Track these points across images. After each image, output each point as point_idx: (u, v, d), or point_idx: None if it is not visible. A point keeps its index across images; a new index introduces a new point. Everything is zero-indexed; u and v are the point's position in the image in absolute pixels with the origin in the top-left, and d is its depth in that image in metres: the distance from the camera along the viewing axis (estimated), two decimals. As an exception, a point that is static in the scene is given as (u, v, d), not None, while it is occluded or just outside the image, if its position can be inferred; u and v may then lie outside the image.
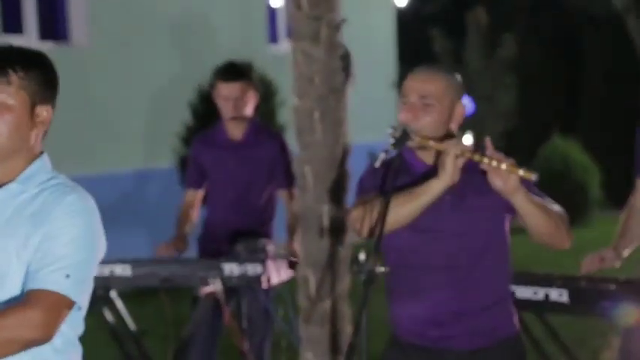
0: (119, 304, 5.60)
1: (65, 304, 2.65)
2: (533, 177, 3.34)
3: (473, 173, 3.44)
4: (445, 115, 3.53)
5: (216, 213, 5.89)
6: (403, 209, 3.42)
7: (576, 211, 13.29)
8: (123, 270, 5.41)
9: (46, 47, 10.01)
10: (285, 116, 9.84)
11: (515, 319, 3.69)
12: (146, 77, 10.85)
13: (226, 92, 5.69)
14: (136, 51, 10.76)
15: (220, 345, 5.85)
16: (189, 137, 9.50)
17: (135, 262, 5.43)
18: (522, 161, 3.50)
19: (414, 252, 3.56)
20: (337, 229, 5.35)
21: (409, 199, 3.43)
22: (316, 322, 5.38)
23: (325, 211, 5.33)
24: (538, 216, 3.45)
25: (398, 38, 15.13)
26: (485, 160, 3.38)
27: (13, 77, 2.71)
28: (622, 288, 4.14)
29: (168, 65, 11.05)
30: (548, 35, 16.65)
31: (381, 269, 3.19)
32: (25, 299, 2.63)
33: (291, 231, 5.72)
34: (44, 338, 2.63)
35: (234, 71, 5.74)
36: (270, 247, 5.51)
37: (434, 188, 3.41)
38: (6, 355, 2.62)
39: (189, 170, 5.99)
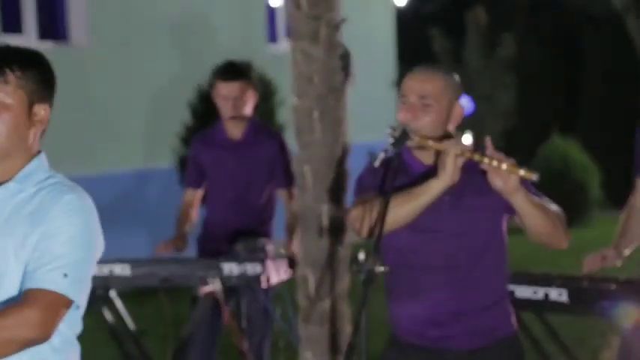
0: (118, 304, 5.59)
1: (63, 303, 2.65)
2: (534, 177, 3.34)
3: (472, 173, 3.44)
4: (443, 115, 3.53)
5: (215, 212, 5.88)
6: (402, 209, 3.42)
7: (576, 210, 13.29)
8: (122, 270, 5.40)
9: (46, 47, 10.00)
10: (285, 116, 9.84)
11: (513, 319, 3.69)
12: (146, 77, 10.85)
13: (225, 92, 5.69)
14: (135, 51, 10.75)
15: (220, 345, 5.85)
16: (189, 137, 9.50)
17: (134, 262, 5.42)
18: (522, 161, 3.50)
19: (413, 252, 3.55)
20: (337, 229, 5.35)
21: (409, 199, 3.42)
22: (316, 322, 5.38)
23: (325, 210, 5.33)
24: (537, 216, 3.45)
25: (397, 38, 15.13)
26: (486, 160, 3.37)
27: (11, 76, 2.71)
28: (622, 288, 4.14)
29: (168, 65, 11.04)
30: (547, 35, 16.65)
31: (381, 269, 3.19)
32: (23, 299, 2.63)
33: (291, 230, 5.72)
34: (42, 337, 2.63)
35: (234, 71, 5.74)
36: (270, 247, 5.50)
37: (434, 188, 3.41)
38: (5, 355, 2.62)
39: (189, 170, 5.99)
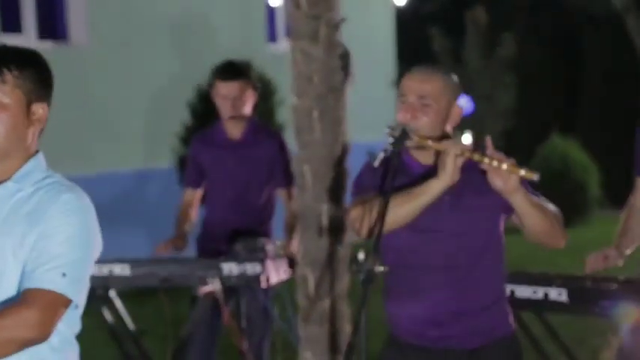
0: (118, 304, 5.59)
1: (62, 302, 2.65)
2: (535, 177, 3.34)
3: (470, 173, 3.44)
4: (442, 116, 3.54)
5: (215, 212, 5.88)
6: (402, 209, 3.41)
7: (575, 210, 13.30)
8: (122, 270, 5.40)
9: (45, 47, 10.00)
10: (284, 115, 9.83)
11: (511, 318, 3.69)
12: (145, 77, 10.85)
13: (225, 91, 5.69)
14: (135, 51, 10.75)
15: (219, 344, 5.85)
16: (189, 137, 9.49)
17: (134, 262, 5.42)
18: (521, 161, 3.50)
19: (412, 252, 3.55)
20: (336, 229, 5.35)
21: (409, 199, 3.42)
22: (315, 322, 5.37)
23: (324, 210, 5.33)
24: (536, 216, 3.46)
25: (397, 37, 15.13)
26: (486, 159, 3.37)
27: (8, 76, 2.71)
28: (621, 287, 4.14)
29: (168, 65, 11.04)
30: (547, 35, 16.65)
31: (380, 269, 3.18)
32: (22, 299, 2.63)
33: (290, 230, 5.72)
34: (41, 337, 2.63)
35: (233, 70, 5.73)
36: (269, 247, 5.50)
37: (434, 188, 3.41)
38: (4, 355, 2.61)
39: (188, 170, 5.98)
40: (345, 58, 5.39)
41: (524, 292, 4.36)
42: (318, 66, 5.31)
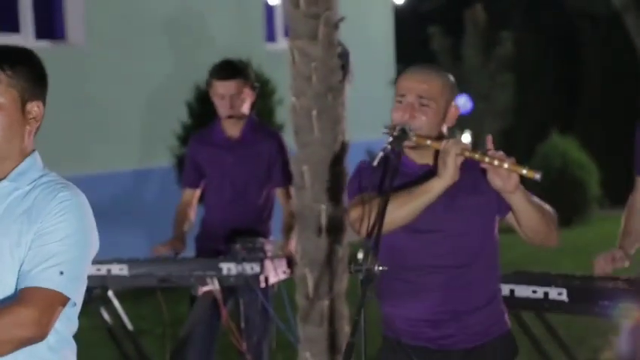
0: (116, 304, 5.58)
1: (59, 300, 2.64)
2: (537, 176, 3.33)
3: (464, 173, 3.43)
4: (440, 116, 3.53)
5: (213, 212, 5.86)
6: (402, 210, 3.40)
7: (575, 209, 13.31)
8: (120, 270, 5.39)
9: (43, 46, 9.99)
10: (283, 115, 9.82)
11: (507, 317, 3.70)
12: (143, 76, 10.83)
13: (222, 90, 5.67)
14: (132, 50, 10.74)
15: (218, 344, 5.84)
16: (187, 136, 9.48)
17: (132, 262, 5.41)
18: (521, 160, 3.49)
19: (407, 252, 3.55)
20: (335, 228, 5.34)
21: (409, 199, 3.41)
22: (314, 322, 5.36)
23: (323, 209, 5.32)
24: (534, 216, 3.46)
25: (396, 36, 15.13)
26: (487, 159, 3.36)
27: (1, 76, 2.71)
28: (622, 287, 4.13)
29: (166, 64, 11.03)
30: (546, 33, 16.65)
31: (380, 268, 3.17)
32: (19, 297, 2.63)
33: (288, 230, 5.70)
34: (39, 336, 2.63)
35: (230, 69, 5.72)
36: (268, 247, 5.48)
37: (435, 188, 3.39)
38: (1, 354, 2.61)
39: (187, 169, 5.97)
40: (344, 57, 5.38)
41: (524, 291, 4.35)
42: (317, 65, 5.30)
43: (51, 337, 2.68)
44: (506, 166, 3.34)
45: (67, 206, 2.68)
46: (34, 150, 2.80)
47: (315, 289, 5.33)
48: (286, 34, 5.70)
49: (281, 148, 5.80)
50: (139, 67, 10.78)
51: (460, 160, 3.38)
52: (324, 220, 5.32)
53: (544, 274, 4.50)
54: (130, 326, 5.68)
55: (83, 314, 2.82)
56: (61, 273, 2.63)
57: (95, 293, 5.42)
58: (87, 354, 3.33)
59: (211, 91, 5.75)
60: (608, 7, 14.94)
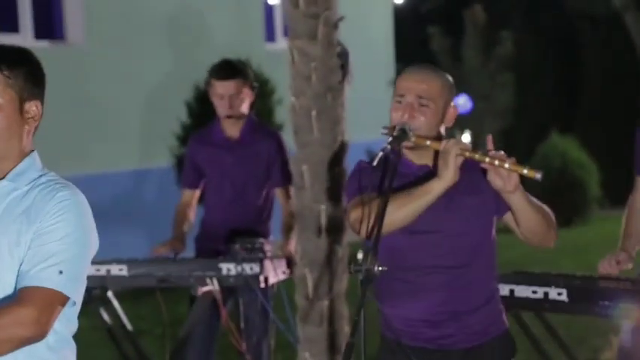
0: (116, 304, 5.57)
1: (59, 300, 2.64)
2: (537, 175, 3.32)
3: (463, 173, 3.42)
4: (439, 116, 3.53)
5: (213, 212, 5.86)
6: (403, 211, 3.39)
7: (575, 209, 13.30)
8: (119, 270, 5.38)
9: (42, 46, 9.99)
10: (283, 115, 9.82)
11: (504, 316, 3.70)
12: (142, 76, 10.83)
13: (221, 90, 5.66)
14: (132, 50, 10.73)
15: (218, 345, 5.83)
16: (186, 136, 9.47)
17: (131, 262, 5.40)
18: (520, 160, 3.48)
19: (406, 253, 3.55)
20: (335, 228, 5.33)
21: (410, 199, 3.40)
22: (314, 322, 5.36)
23: (323, 210, 5.32)
24: (534, 216, 3.47)
25: (396, 36, 15.12)
26: (487, 159, 3.35)
27: None
28: (621, 287, 4.12)
29: (165, 64, 11.03)
30: (546, 33, 16.64)
31: (379, 269, 3.17)
32: (19, 297, 2.63)
33: (287, 230, 5.70)
34: (39, 336, 2.63)
35: (229, 69, 5.71)
36: (268, 247, 5.48)
37: (435, 189, 3.39)
38: (1, 353, 2.61)
39: (186, 169, 5.96)
40: (343, 57, 5.38)
41: (524, 291, 4.34)
42: (317, 65, 5.30)
43: (50, 337, 2.68)
44: (507, 166, 3.34)
45: (66, 206, 2.68)
46: (32, 150, 2.80)
47: (315, 289, 5.32)
48: (286, 33, 5.69)
49: (280, 147, 5.79)
50: (138, 66, 10.78)
51: (460, 160, 3.38)
52: (323, 221, 5.32)
53: (544, 274, 4.50)
54: (129, 326, 5.67)
55: (82, 314, 2.82)
56: (61, 272, 2.63)
57: (94, 293, 5.41)
58: (86, 354, 3.33)
59: (210, 91, 5.74)
60: (608, 8, 14.95)
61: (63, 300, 2.65)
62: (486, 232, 3.58)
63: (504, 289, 4.29)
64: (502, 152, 3.39)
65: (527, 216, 3.46)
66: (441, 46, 15.21)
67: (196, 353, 5.65)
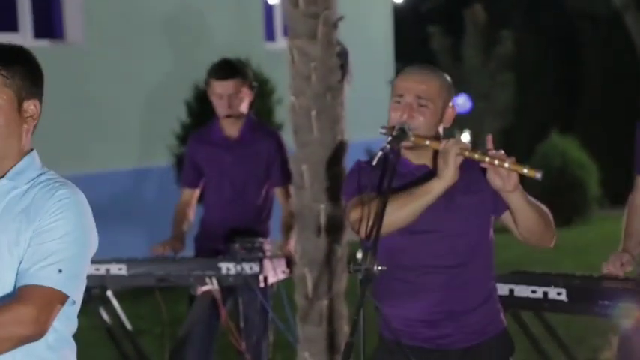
0: (115, 304, 5.57)
1: (58, 298, 2.64)
2: (537, 175, 3.32)
3: (462, 172, 3.42)
4: (438, 116, 3.53)
5: (212, 212, 5.86)
6: (402, 211, 3.39)
7: (575, 209, 13.30)
8: (119, 269, 5.38)
9: (41, 46, 9.99)
10: (282, 114, 9.82)
11: (502, 315, 3.70)
12: (142, 75, 10.83)
13: (220, 90, 5.66)
14: (131, 49, 10.73)
15: (218, 344, 5.83)
16: (186, 135, 9.48)
17: (131, 262, 5.40)
18: (520, 159, 3.48)
19: (407, 253, 3.55)
20: (334, 228, 5.33)
21: (410, 200, 3.40)
22: (313, 321, 5.36)
23: (322, 209, 5.32)
24: (532, 216, 3.47)
25: (395, 36, 15.12)
26: (487, 158, 3.35)
27: None
28: (621, 287, 4.12)
29: (165, 63, 11.03)
30: (546, 33, 16.65)
31: (379, 268, 3.17)
32: (18, 295, 2.63)
33: (287, 230, 5.70)
34: (38, 334, 2.63)
35: (228, 69, 5.71)
36: (267, 246, 5.48)
37: (436, 189, 3.39)
38: (0, 352, 2.61)
39: (185, 169, 5.96)
40: (343, 56, 5.38)
41: (523, 291, 4.34)
42: (316, 65, 5.30)
43: (50, 336, 2.68)
44: (506, 165, 3.34)
45: (66, 204, 2.68)
46: (32, 149, 2.80)
47: (314, 288, 5.32)
48: (285, 33, 5.67)
49: (280, 147, 5.79)
50: (138, 66, 10.78)
51: (460, 160, 3.38)
52: (323, 220, 5.32)
53: (543, 274, 4.49)
54: (128, 326, 5.67)
55: (82, 314, 2.81)
56: (60, 271, 2.63)
57: (94, 293, 5.41)
58: (86, 353, 3.32)
59: (209, 91, 5.74)
60: (608, 8, 14.95)
61: (62, 298, 2.65)
62: (484, 232, 3.59)
63: (504, 289, 4.29)
64: (502, 152, 3.39)
65: (525, 216, 3.46)
66: (441, 46, 15.21)
67: (196, 352, 5.65)
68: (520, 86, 15.53)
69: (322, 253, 5.33)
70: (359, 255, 3.20)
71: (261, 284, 5.27)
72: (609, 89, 16.01)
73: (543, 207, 3.55)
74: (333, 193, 5.30)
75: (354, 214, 3.45)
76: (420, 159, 3.55)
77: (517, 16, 16.70)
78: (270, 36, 12.89)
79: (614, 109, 15.64)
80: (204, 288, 5.28)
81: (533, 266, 5.47)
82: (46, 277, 2.62)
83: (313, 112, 5.31)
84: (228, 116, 5.69)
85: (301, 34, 5.31)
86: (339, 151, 5.37)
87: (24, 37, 9.97)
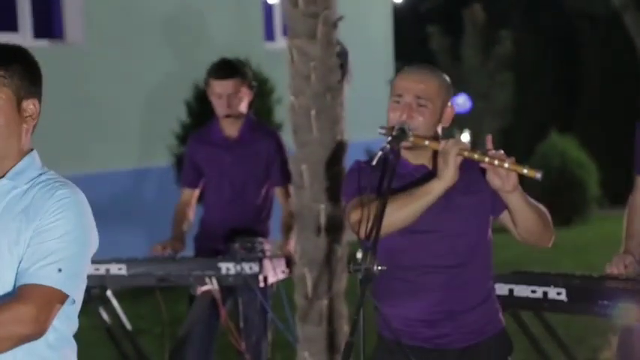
0: (115, 304, 5.57)
1: (57, 298, 2.64)
2: (537, 175, 3.32)
3: (461, 172, 3.42)
4: (436, 116, 3.53)
5: (212, 212, 5.86)
6: (402, 212, 3.39)
7: (574, 209, 13.31)
8: (119, 269, 5.38)
9: (41, 45, 9.99)
10: (282, 114, 9.82)
11: (501, 315, 3.70)
12: (141, 75, 10.83)
13: (219, 90, 5.66)
14: (131, 49, 10.73)
15: (217, 344, 5.83)
16: (186, 135, 9.48)
17: (131, 262, 5.40)
18: (520, 159, 3.49)
19: (407, 253, 3.55)
20: (334, 228, 5.33)
21: (410, 200, 3.40)
22: (313, 321, 5.36)
23: (322, 209, 5.32)
24: (531, 216, 3.47)
25: (395, 36, 15.13)
26: (487, 158, 3.35)
27: None
28: (621, 286, 4.12)
29: (165, 63, 11.03)
30: (545, 33, 16.65)
31: (379, 268, 3.17)
32: (18, 295, 2.63)
33: (287, 229, 5.70)
34: (37, 333, 2.63)
35: (227, 68, 5.71)
36: (267, 246, 5.48)
37: (436, 189, 3.39)
38: (0, 351, 2.61)
39: (185, 169, 5.96)
40: (342, 56, 5.38)
41: (523, 291, 4.34)
42: (316, 64, 5.30)
43: (50, 335, 2.68)
44: (506, 165, 3.34)
45: (66, 204, 2.68)
46: (32, 149, 2.80)
47: (314, 288, 5.32)
48: (285, 33, 5.67)
49: (279, 146, 5.79)
50: (137, 66, 10.78)
51: (459, 160, 3.38)
52: (323, 220, 5.32)
53: (543, 274, 4.49)
54: (128, 326, 5.67)
55: (82, 314, 2.81)
56: (60, 270, 2.63)
57: (94, 293, 5.41)
58: (86, 353, 3.32)
59: (209, 91, 5.74)
60: (607, 7, 14.95)
61: (62, 298, 2.65)
62: (483, 232, 3.59)
63: (503, 289, 4.29)
64: (501, 152, 3.39)
65: (524, 216, 3.46)
66: (440, 46, 15.22)
67: (195, 352, 5.65)
68: (519, 86, 15.53)
69: (322, 253, 5.33)
70: (359, 255, 3.20)
71: (261, 284, 5.27)
72: (608, 89, 16.01)
73: (542, 207, 3.55)
74: (333, 193, 5.30)
75: (354, 215, 3.45)
76: (418, 159, 3.55)
77: (516, 16, 16.70)
78: (269, 36, 12.89)
79: (614, 108, 15.65)
80: (204, 288, 5.28)
81: (532, 266, 5.48)
82: (46, 277, 2.62)
83: (313, 112, 5.31)
84: (228, 116, 5.69)
85: (301, 34, 5.31)
86: (338, 150, 5.37)
87: (23, 36, 9.97)
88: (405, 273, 3.55)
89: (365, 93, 10.95)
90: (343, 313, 5.43)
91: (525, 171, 3.33)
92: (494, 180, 3.38)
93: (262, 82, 10.16)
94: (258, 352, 5.61)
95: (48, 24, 10.47)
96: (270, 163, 5.76)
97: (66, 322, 2.74)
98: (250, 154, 5.75)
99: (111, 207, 9.70)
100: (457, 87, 13.99)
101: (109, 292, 5.53)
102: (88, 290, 2.77)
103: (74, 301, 2.72)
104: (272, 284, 5.47)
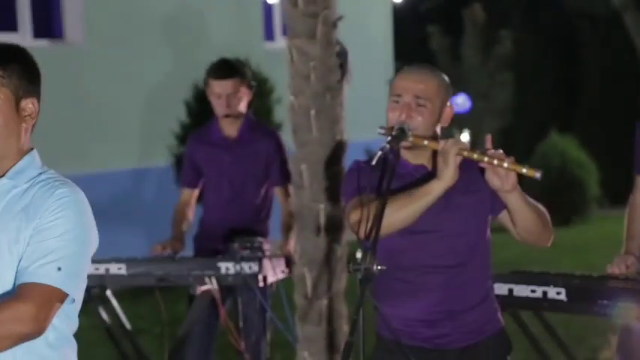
0: (115, 303, 5.57)
1: (57, 296, 2.64)
2: (537, 174, 3.32)
3: (460, 172, 3.42)
4: (436, 116, 3.53)
5: (212, 211, 5.86)
6: (402, 212, 3.39)
7: (574, 209, 13.31)
8: (118, 269, 5.38)
9: (41, 45, 9.99)
10: (282, 114, 9.82)
11: (500, 314, 3.70)
12: (141, 75, 10.83)
13: (218, 90, 5.66)
14: (130, 49, 10.73)
15: (217, 344, 5.83)
16: (185, 135, 9.47)
17: (130, 261, 5.40)
18: (520, 159, 3.49)
19: (407, 253, 3.55)
20: (334, 227, 5.33)
21: (410, 201, 3.40)
22: (313, 321, 5.36)
23: (322, 209, 5.32)
24: (530, 215, 3.47)
25: (395, 35, 15.13)
26: (486, 158, 3.35)
27: None
28: (620, 286, 4.12)
29: (164, 63, 11.03)
30: (545, 32, 16.65)
31: (378, 268, 3.17)
32: (17, 293, 2.62)
33: (286, 229, 5.70)
34: (37, 332, 2.62)
35: (226, 68, 5.71)
36: (267, 246, 5.48)
37: (435, 190, 3.39)
38: (-1, 350, 2.61)
39: (185, 169, 5.96)
40: (342, 56, 5.38)
41: (522, 291, 4.34)
42: (316, 64, 5.30)
43: (50, 334, 2.68)
44: (505, 165, 3.34)
45: (66, 202, 2.68)
46: (32, 148, 2.80)
47: (314, 288, 5.32)
48: (285, 32, 5.67)
49: (279, 146, 5.79)
50: (137, 66, 10.78)
51: (459, 160, 3.38)
52: (322, 220, 5.32)
53: (543, 274, 4.49)
54: (128, 325, 5.67)
55: (81, 313, 2.81)
56: (59, 269, 2.63)
57: (93, 292, 5.41)
58: (85, 353, 3.32)
59: (208, 90, 5.74)
60: (607, 7, 14.95)
61: (61, 297, 2.65)
62: (482, 232, 3.59)
63: (503, 289, 4.29)
64: (501, 151, 3.39)
65: (523, 215, 3.46)
66: (440, 45, 15.22)
67: (195, 352, 5.65)
68: (519, 86, 15.53)
69: (321, 253, 5.32)
70: (358, 255, 3.20)
71: (261, 284, 5.27)
72: (608, 89, 16.01)
73: (541, 207, 3.55)
74: (333, 193, 5.30)
75: (354, 216, 3.45)
76: (417, 159, 3.55)
77: (516, 16, 16.70)
78: (269, 35, 12.89)
79: (613, 108, 15.65)
80: (204, 288, 5.28)
81: (532, 266, 5.48)
82: (45, 275, 2.62)
83: (312, 112, 5.31)
84: (227, 116, 5.69)
85: (300, 34, 5.31)
86: (338, 150, 5.37)
87: (23, 36, 9.97)
88: (404, 273, 3.55)
89: (365, 93, 10.96)
90: (343, 313, 5.43)
91: (524, 170, 3.33)
92: (493, 179, 3.38)
93: (262, 81, 10.16)
94: (257, 352, 5.61)
95: (48, 24, 10.46)
96: (270, 163, 5.76)
97: (66, 321, 2.74)
98: (250, 154, 5.75)
99: (111, 207, 9.70)
100: (457, 87, 14.00)
101: (108, 292, 5.53)
102: (87, 290, 2.77)
103: (74, 300, 2.72)
104: (271, 284, 5.47)
